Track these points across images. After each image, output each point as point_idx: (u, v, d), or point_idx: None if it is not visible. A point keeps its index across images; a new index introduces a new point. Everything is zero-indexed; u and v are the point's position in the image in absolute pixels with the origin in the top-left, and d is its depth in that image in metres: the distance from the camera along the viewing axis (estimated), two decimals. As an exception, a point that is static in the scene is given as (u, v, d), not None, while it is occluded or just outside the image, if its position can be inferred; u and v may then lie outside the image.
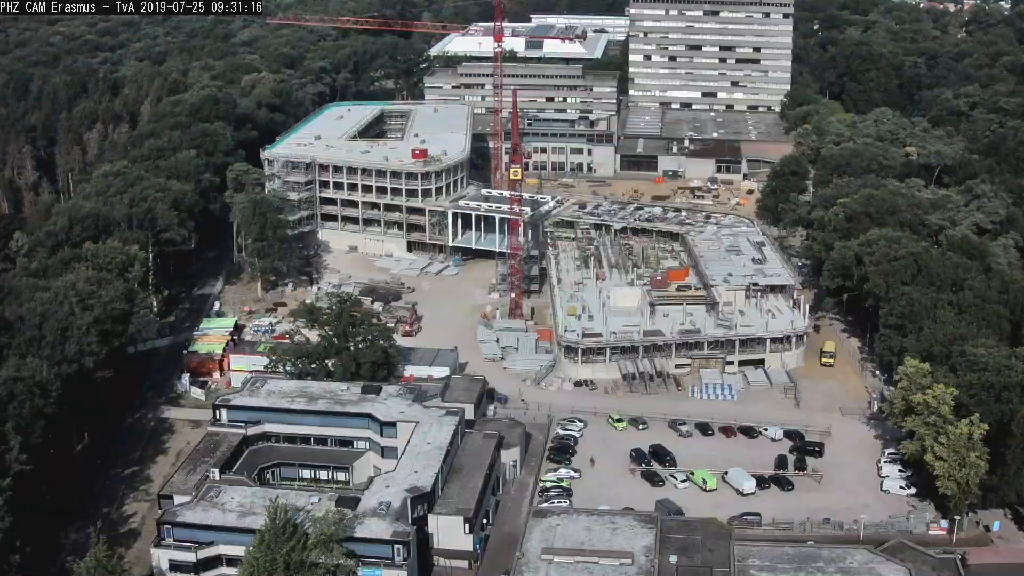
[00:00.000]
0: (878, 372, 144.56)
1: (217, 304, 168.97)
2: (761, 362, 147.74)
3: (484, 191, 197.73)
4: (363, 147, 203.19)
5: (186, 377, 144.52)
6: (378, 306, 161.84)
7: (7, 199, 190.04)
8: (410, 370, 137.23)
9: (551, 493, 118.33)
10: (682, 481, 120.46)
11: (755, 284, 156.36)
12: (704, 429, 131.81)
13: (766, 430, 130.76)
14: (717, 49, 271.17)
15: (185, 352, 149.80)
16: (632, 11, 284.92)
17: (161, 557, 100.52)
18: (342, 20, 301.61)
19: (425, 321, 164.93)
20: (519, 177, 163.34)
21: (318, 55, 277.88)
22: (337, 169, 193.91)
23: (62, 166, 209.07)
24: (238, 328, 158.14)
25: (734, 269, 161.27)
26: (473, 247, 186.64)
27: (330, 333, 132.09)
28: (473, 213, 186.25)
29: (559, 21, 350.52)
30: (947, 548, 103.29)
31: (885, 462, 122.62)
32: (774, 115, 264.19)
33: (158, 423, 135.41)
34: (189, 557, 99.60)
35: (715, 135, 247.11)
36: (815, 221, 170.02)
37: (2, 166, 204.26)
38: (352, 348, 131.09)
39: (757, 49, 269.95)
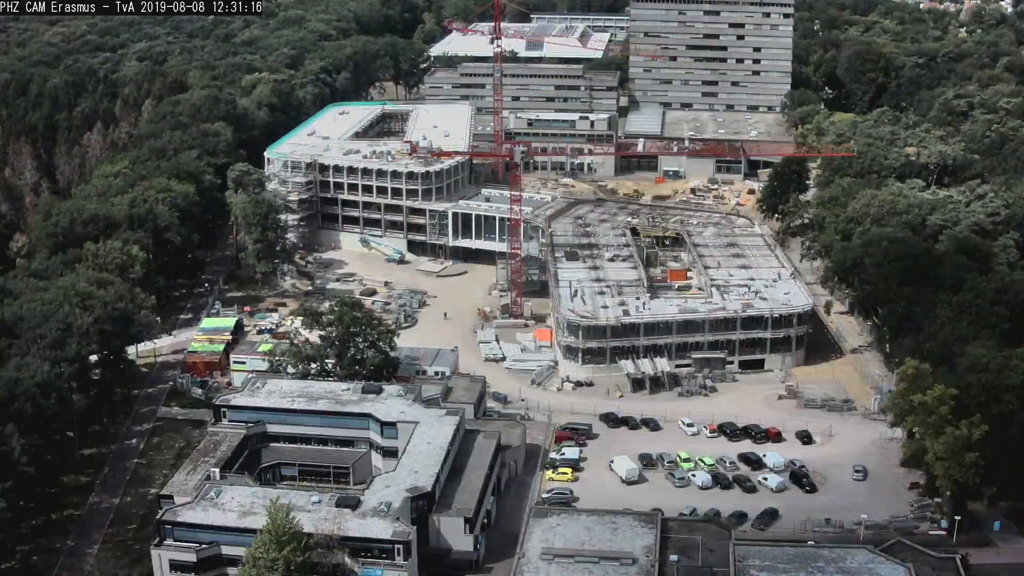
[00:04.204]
0: (878, 372, 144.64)
1: (217, 304, 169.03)
2: (761, 363, 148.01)
3: (484, 191, 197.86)
4: (365, 147, 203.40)
5: (186, 377, 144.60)
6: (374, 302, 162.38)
7: (7, 199, 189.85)
8: (410, 371, 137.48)
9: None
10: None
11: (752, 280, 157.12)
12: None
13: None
14: (717, 49, 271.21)
15: (185, 352, 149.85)
16: (632, 11, 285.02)
17: (161, 557, 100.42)
18: None
19: (425, 321, 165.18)
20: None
21: (319, 55, 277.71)
22: (338, 169, 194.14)
23: (62, 166, 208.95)
24: (238, 328, 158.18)
25: (734, 270, 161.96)
26: (473, 247, 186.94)
27: (332, 334, 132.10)
28: (473, 213, 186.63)
29: (559, 21, 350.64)
30: (947, 548, 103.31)
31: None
32: (774, 115, 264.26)
33: (158, 423, 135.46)
34: (190, 557, 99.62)
35: (715, 135, 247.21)
36: (816, 221, 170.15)
37: (2, 166, 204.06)
38: (353, 350, 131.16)
39: (757, 49, 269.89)
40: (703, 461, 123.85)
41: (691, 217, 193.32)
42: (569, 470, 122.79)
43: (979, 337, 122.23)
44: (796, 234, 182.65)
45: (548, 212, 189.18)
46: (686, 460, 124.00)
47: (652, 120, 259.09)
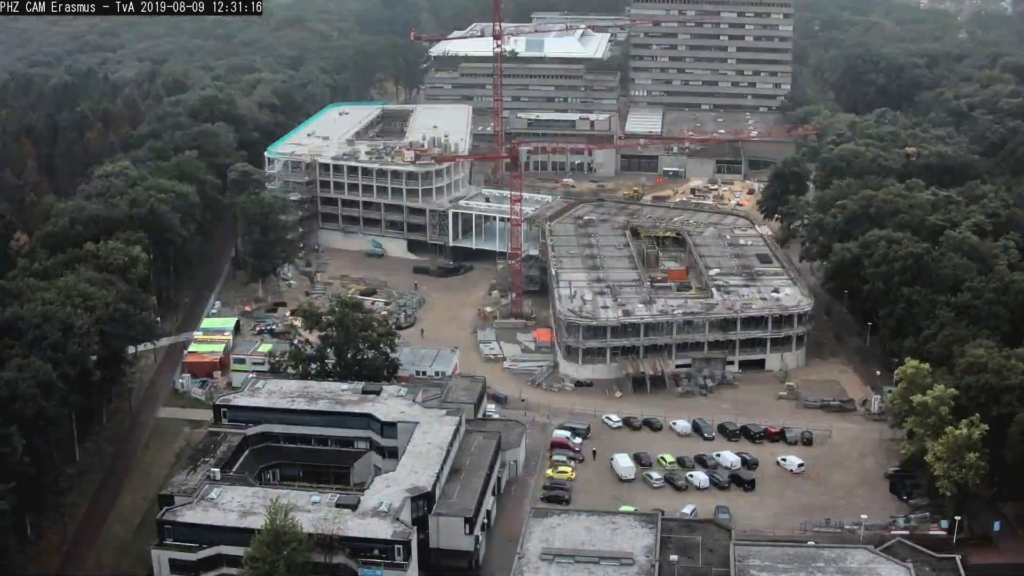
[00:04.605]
0: (878, 372, 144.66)
1: (217, 304, 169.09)
2: (762, 363, 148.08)
3: (484, 191, 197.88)
4: (364, 147, 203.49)
5: (186, 377, 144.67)
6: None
7: (7, 199, 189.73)
8: (410, 371, 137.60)
9: None
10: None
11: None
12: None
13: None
14: (717, 49, 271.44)
15: (185, 352, 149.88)
16: (632, 11, 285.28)
17: (161, 557, 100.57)
18: None
19: (426, 322, 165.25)
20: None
21: (319, 55, 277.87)
22: (338, 169, 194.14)
23: (62, 166, 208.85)
24: (238, 328, 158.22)
25: (734, 270, 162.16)
26: (473, 247, 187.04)
27: (332, 335, 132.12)
28: (473, 213, 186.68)
29: (559, 21, 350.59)
30: (947, 548, 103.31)
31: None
32: (774, 115, 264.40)
33: (158, 423, 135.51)
34: (189, 557, 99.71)
35: (715, 135, 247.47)
36: (815, 222, 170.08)
37: (2, 166, 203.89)
38: (353, 351, 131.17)
39: (757, 49, 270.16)
40: (663, 460, 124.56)
41: (691, 217, 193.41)
42: (568, 469, 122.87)
43: (979, 338, 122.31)
44: (796, 235, 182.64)
45: (548, 212, 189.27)
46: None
47: (652, 120, 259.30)
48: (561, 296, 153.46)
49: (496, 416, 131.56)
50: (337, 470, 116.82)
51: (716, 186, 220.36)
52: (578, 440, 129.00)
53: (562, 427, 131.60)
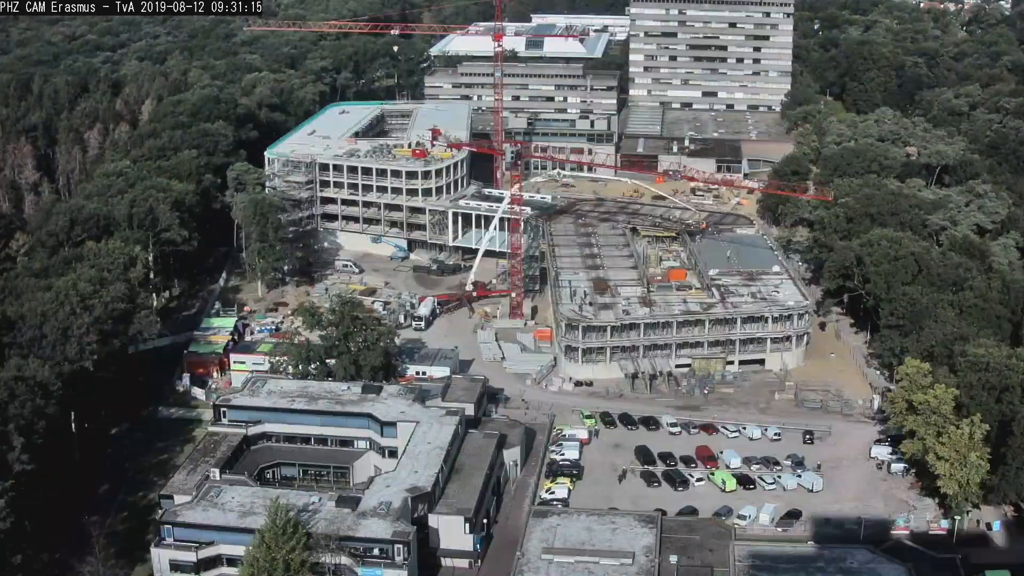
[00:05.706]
0: (879, 372, 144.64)
1: (218, 304, 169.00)
2: (762, 362, 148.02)
3: (484, 191, 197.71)
4: (365, 146, 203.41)
5: (186, 377, 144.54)
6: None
7: (7, 199, 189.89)
8: (411, 370, 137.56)
9: None
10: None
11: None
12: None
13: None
14: (717, 49, 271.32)
15: (186, 352, 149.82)
16: (632, 11, 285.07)
17: (161, 557, 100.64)
18: (331, 24, 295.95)
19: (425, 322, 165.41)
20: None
21: (319, 55, 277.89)
22: (337, 168, 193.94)
23: (62, 166, 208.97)
24: (239, 328, 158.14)
25: (733, 269, 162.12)
26: (473, 247, 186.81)
27: (332, 334, 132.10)
28: (473, 212, 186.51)
29: (559, 21, 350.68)
30: (947, 548, 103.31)
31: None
32: (774, 115, 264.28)
33: (158, 423, 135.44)
34: (189, 557, 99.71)
35: (715, 135, 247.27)
36: (816, 221, 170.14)
37: (2, 166, 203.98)
38: (353, 350, 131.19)
39: (757, 49, 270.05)
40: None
41: (691, 216, 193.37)
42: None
43: (981, 336, 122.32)
44: (796, 235, 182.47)
45: (548, 212, 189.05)
46: None
47: (652, 120, 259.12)
48: (561, 296, 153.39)
49: (496, 415, 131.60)
50: (337, 470, 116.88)
51: (716, 186, 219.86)
52: None
53: None
